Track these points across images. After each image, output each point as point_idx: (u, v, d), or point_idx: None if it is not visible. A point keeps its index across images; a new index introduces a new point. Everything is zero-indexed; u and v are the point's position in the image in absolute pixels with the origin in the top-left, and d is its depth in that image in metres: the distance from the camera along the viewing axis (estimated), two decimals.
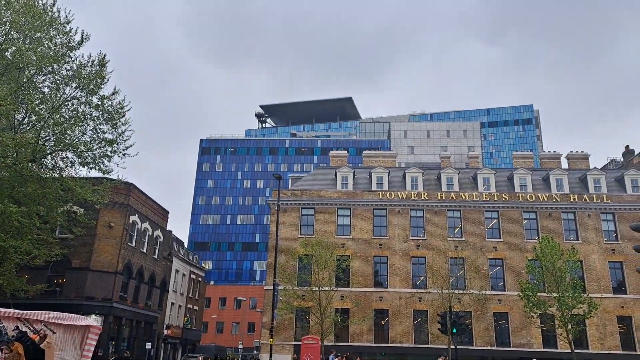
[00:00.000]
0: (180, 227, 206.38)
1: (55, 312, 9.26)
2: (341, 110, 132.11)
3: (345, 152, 48.62)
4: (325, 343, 32.66)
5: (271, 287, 34.74)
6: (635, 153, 49.74)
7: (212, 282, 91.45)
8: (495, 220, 39.37)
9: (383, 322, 36.70)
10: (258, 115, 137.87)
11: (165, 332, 45.77)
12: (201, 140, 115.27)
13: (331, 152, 49.17)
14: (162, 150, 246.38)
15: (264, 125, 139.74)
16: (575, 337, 30.82)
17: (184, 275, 51.16)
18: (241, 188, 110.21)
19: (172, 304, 48.22)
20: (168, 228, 44.41)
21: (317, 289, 30.57)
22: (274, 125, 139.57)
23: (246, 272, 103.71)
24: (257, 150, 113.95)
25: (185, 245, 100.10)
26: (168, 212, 42.60)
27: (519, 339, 35.59)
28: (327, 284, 30.92)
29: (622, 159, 52.76)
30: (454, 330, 23.37)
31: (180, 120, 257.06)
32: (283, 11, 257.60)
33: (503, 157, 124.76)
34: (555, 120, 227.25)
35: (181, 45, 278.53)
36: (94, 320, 10.09)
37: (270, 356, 23.02)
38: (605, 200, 39.14)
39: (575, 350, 31.34)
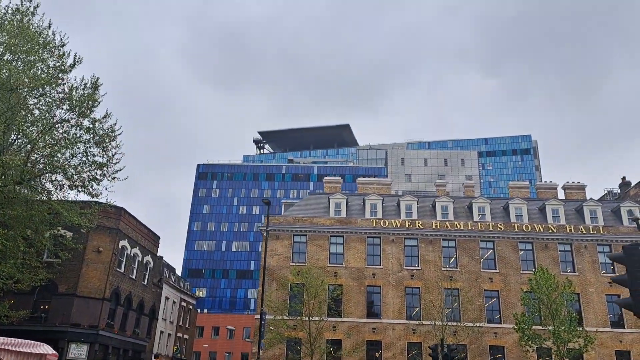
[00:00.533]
0: (175, 253, 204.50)
1: (5, 338, 8.74)
2: (339, 137, 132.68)
3: (340, 178, 48.38)
4: None
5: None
6: (632, 185, 49.61)
7: (205, 311, 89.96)
8: (491, 251, 38.89)
9: (377, 355, 35.81)
10: (256, 141, 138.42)
11: None
12: (198, 165, 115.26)
13: (325, 178, 48.94)
14: (160, 175, 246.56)
15: (261, 151, 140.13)
16: None
17: (174, 302, 50.21)
18: (237, 214, 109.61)
19: (162, 332, 47.17)
20: (161, 254, 43.80)
21: (307, 318, 29.84)
22: (272, 151, 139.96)
23: (240, 300, 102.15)
24: (253, 176, 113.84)
25: (180, 271, 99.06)
26: (159, 238, 42.04)
27: None
28: (318, 313, 30.20)
29: (618, 191, 52.62)
30: None
31: (179, 147, 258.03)
32: (281, 40, 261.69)
33: (501, 187, 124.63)
34: (554, 151, 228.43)
35: (181, 73, 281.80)
36: (50, 348, 9.54)
37: None
38: (601, 232, 38.73)
39: None
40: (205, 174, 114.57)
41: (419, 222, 39.67)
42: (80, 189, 25.21)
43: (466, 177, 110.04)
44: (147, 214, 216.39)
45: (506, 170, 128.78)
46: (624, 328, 35.54)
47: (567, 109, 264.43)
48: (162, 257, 45.03)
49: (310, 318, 29.79)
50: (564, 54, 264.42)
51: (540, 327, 29.59)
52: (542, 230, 38.90)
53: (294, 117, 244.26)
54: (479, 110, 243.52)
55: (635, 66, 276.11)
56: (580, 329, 29.34)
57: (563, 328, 28.21)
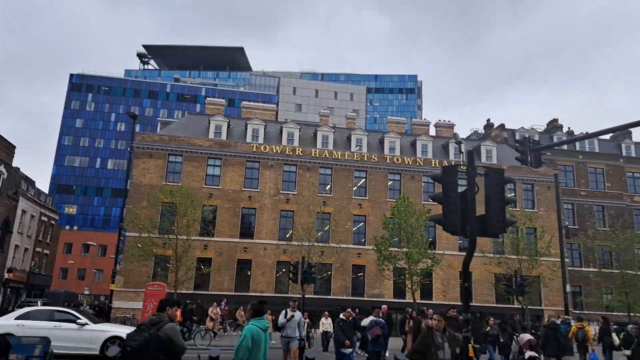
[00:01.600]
0: (43, 167, 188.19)
1: None
2: (231, 60, 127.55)
3: (223, 100, 47.14)
4: (184, 291, 32.18)
5: (130, 234, 33.17)
6: (494, 126, 54.48)
7: (75, 227, 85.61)
8: (363, 180, 40.94)
9: (249, 272, 36.96)
10: (140, 56, 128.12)
11: (6, 275, 41.87)
12: (71, 75, 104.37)
13: (208, 99, 47.41)
14: (30, 85, 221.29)
15: (146, 66, 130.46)
16: (419, 288, 33.47)
17: (32, 216, 46.76)
18: (114, 131, 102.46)
19: (17, 246, 44.07)
20: (24, 166, 40.21)
21: (174, 237, 29.61)
22: (158, 68, 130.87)
23: (115, 219, 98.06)
24: (134, 92, 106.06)
25: (47, 187, 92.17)
26: (14, 147, 38.27)
27: (372, 289, 37.97)
28: (187, 232, 30.07)
29: (483, 131, 57.55)
30: (304, 280, 24.08)
31: (53, 56, 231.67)
32: None
33: (386, 123, 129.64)
34: (436, 93, 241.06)
35: None
36: None
37: (110, 302, 21.99)
38: (461, 167, 42.26)
39: (421, 301, 34.25)
40: (80, 85, 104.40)
41: (299, 150, 40.34)
42: None
43: (354, 111, 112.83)
44: (12, 124, 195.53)
45: (391, 108, 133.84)
46: None
47: (451, 55, 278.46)
48: (19, 168, 41.19)
49: (178, 236, 29.57)
50: (453, 4, 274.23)
51: (396, 249, 32.21)
52: (410, 163, 41.57)
53: (183, 34, 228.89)
54: (372, 47, 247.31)
55: (513, 23, 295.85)
56: (430, 251, 32.42)
57: (415, 250, 31.00)
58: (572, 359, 18.76)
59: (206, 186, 37.80)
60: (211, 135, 40.16)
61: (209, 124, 40.72)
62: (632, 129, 51.47)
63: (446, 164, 42.91)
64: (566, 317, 27.20)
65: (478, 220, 8.73)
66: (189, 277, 31.72)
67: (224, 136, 40.44)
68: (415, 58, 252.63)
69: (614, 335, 17.29)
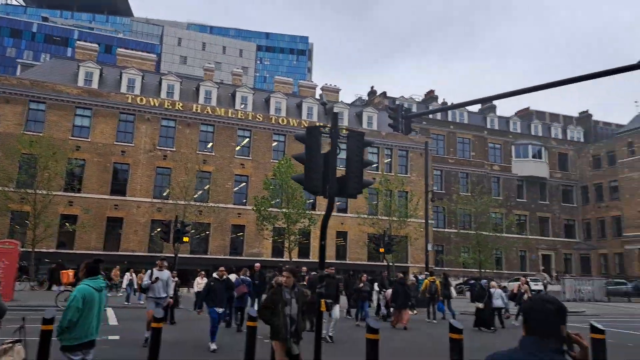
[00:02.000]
0: None
1: None
2: (110, 2, 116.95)
3: (96, 45, 43.24)
4: (44, 250, 29.85)
5: None
6: (377, 94, 56.49)
7: None
8: (247, 139, 40.37)
9: (120, 231, 35.08)
10: None
11: None
12: None
13: (78, 42, 43.27)
14: None
15: (8, 1, 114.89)
16: (297, 247, 34.33)
17: None
18: None
19: None
20: None
21: (33, 191, 27.03)
22: (23, 4, 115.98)
23: None
24: None
25: None
26: None
27: (251, 249, 38.18)
28: (47, 187, 27.57)
29: (367, 98, 59.46)
30: (177, 239, 23.47)
31: None
32: None
33: (273, 83, 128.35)
34: (326, 57, 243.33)
35: None
36: None
37: None
38: (344, 132, 43.28)
39: (298, 259, 35.24)
40: None
41: (179, 104, 38.53)
42: None
43: (242, 68, 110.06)
44: None
45: (282, 68, 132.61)
46: (346, 213, 41.61)
47: (343, 21, 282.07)
48: None
49: (38, 191, 27.03)
50: None
51: (276, 209, 32.49)
52: (295, 125, 41.70)
53: None
54: (264, 4, 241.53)
55: None
56: (309, 212, 33.18)
57: (294, 211, 31.54)
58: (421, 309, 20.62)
59: (73, 138, 34.76)
60: (80, 83, 36.76)
61: (79, 70, 37.18)
62: (495, 103, 56.43)
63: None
64: (426, 272, 29.66)
65: (338, 181, 8.89)
66: (49, 234, 29.29)
67: (95, 84, 37.24)
68: (308, 20, 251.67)
69: (451, 288, 19.59)
